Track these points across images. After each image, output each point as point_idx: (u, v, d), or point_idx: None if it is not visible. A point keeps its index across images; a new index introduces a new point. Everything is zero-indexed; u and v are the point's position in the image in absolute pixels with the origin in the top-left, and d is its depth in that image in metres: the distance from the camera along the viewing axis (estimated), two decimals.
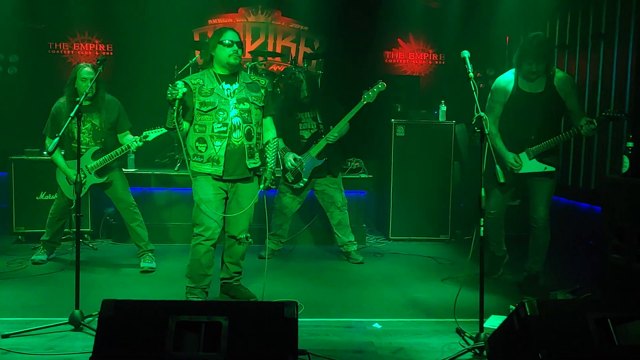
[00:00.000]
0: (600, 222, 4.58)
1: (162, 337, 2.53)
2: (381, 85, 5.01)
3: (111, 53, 7.41)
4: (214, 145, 3.82)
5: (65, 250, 5.35)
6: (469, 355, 3.25)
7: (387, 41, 7.77)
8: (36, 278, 4.67)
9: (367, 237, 6.18)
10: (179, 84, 3.68)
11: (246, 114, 3.88)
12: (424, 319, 3.87)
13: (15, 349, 3.20)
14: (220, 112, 3.81)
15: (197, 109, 3.83)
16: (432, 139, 6.18)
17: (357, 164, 6.16)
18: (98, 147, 4.86)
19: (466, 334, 3.47)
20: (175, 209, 6.02)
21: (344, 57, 7.43)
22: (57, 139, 3.59)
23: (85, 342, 3.30)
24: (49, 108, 4.88)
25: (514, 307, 2.83)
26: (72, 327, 3.50)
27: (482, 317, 3.33)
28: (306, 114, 5.26)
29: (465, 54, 3.46)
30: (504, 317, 3.09)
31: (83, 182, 4.73)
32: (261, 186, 4.03)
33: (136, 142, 4.75)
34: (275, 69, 7.35)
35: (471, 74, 3.39)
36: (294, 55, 7.44)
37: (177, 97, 3.63)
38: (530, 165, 4.28)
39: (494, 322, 3.65)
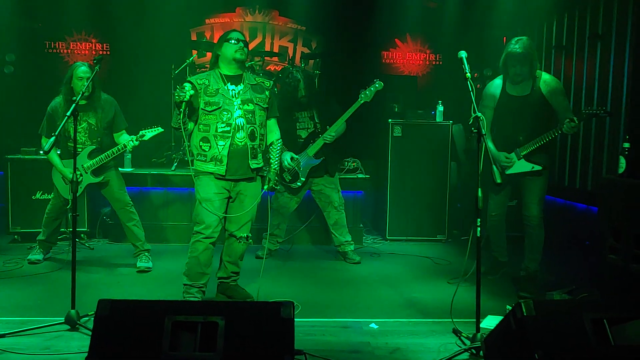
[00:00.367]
0: (597, 222, 4.58)
1: (159, 337, 2.53)
2: (378, 85, 5.02)
3: (108, 52, 7.40)
4: (217, 144, 3.85)
5: (62, 250, 5.34)
6: (466, 355, 3.25)
7: (384, 41, 7.77)
8: (32, 278, 4.65)
9: (364, 237, 6.18)
10: (187, 86, 3.72)
11: (250, 115, 3.91)
12: (420, 319, 3.87)
13: (11, 349, 3.19)
14: (224, 112, 3.85)
15: (202, 109, 3.86)
16: (429, 139, 6.19)
17: (354, 164, 6.17)
18: (94, 147, 4.84)
19: (463, 334, 3.47)
20: (172, 209, 6.01)
21: (341, 57, 7.43)
22: (53, 138, 3.58)
23: (81, 342, 3.29)
24: (45, 107, 4.87)
25: (510, 308, 2.83)
26: (68, 327, 3.49)
27: (478, 317, 3.33)
28: (303, 113, 5.26)
29: (463, 54, 3.50)
30: (500, 318, 3.10)
31: (79, 181, 4.73)
32: (265, 187, 4.05)
33: (132, 142, 4.74)
34: (272, 69, 7.35)
35: (468, 75, 3.41)
36: (291, 55, 7.44)
37: (185, 99, 3.65)
38: (519, 165, 4.40)
39: (490, 322, 3.65)
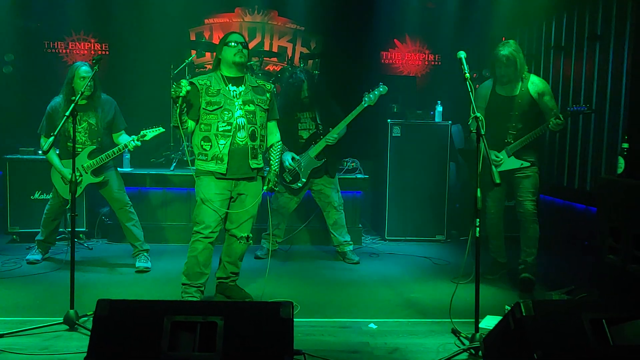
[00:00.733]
0: (595, 222, 4.59)
1: (158, 337, 2.53)
2: (382, 89, 5.04)
3: (107, 52, 7.39)
4: (218, 143, 3.86)
5: (60, 250, 5.33)
6: (465, 355, 3.25)
7: (383, 41, 7.76)
8: (31, 278, 4.65)
9: (363, 238, 6.18)
10: (183, 82, 3.73)
11: (251, 115, 3.93)
12: (419, 319, 3.87)
13: (10, 349, 3.18)
14: (225, 112, 3.86)
15: (204, 109, 3.88)
16: (428, 140, 6.20)
17: (353, 164, 6.17)
18: (94, 147, 4.84)
19: (462, 334, 3.47)
20: (170, 209, 6.01)
21: (340, 58, 7.41)
22: (52, 138, 3.58)
23: (80, 342, 3.29)
24: (44, 107, 4.86)
25: (509, 308, 2.83)
26: (67, 327, 3.49)
27: (477, 318, 3.34)
28: (305, 114, 5.27)
29: (462, 54, 3.53)
30: (499, 318, 3.10)
31: (79, 181, 4.72)
32: (264, 187, 4.05)
33: (134, 142, 4.72)
34: (271, 69, 7.35)
35: (467, 75, 3.44)
36: (290, 55, 7.44)
37: (181, 94, 3.65)
38: (508, 162, 4.57)
39: (489, 322, 3.65)
